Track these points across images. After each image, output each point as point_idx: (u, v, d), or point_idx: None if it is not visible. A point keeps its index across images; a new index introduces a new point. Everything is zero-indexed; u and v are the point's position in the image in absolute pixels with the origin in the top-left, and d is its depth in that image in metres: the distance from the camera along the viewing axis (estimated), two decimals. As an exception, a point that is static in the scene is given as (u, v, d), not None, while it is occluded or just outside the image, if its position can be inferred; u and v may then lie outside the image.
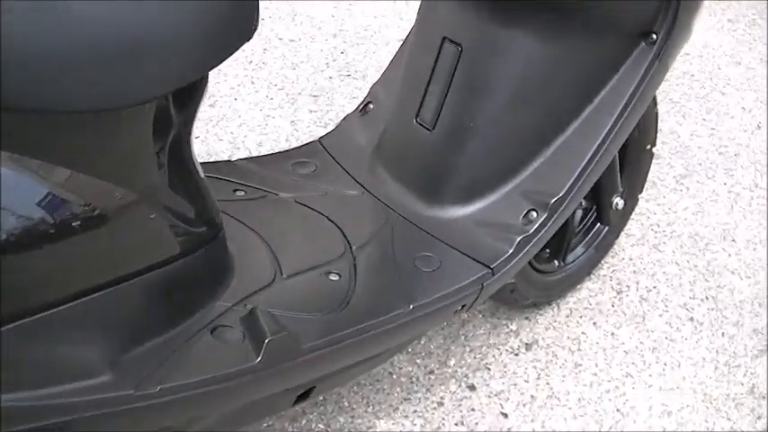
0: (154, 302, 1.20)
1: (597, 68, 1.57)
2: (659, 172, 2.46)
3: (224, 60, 1.09)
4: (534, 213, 1.57)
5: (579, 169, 1.57)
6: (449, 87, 1.58)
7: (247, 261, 1.42)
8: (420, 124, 1.62)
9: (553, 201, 1.55)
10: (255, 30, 1.12)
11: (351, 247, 1.52)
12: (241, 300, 1.33)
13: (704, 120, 2.72)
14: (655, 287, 2.12)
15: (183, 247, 1.21)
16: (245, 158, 1.74)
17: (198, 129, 2.43)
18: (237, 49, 1.10)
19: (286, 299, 1.38)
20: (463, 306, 1.53)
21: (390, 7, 3.12)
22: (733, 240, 2.28)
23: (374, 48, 2.89)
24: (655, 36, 1.56)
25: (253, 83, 2.68)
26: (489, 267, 1.52)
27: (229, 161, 1.72)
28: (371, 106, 1.80)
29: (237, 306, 1.31)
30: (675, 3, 1.54)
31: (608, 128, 1.57)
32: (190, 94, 1.15)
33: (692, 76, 2.93)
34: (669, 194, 2.40)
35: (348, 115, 1.83)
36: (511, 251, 1.54)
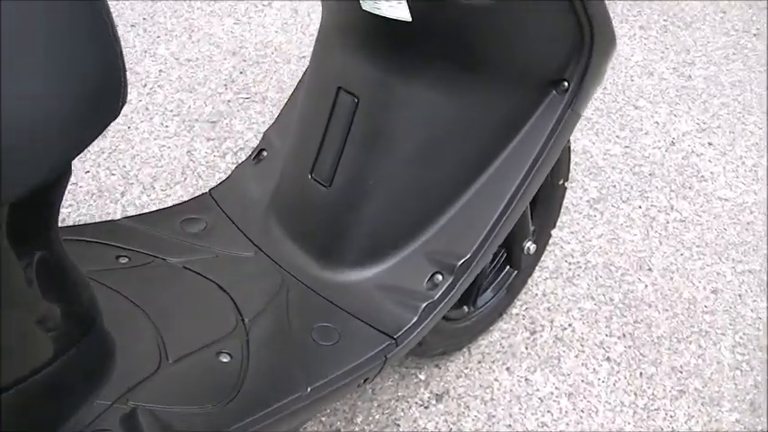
0: (24, 415, 1.07)
1: (506, 120, 1.47)
2: (573, 196, 2.37)
3: (88, 146, 0.97)
4: (440, 277, 1.46)
5: (488, 227, 1.47)
6: (345, 141, 1.46)
7: (130, 346, 1.30)
8: (315, 180, 1.50)
9: (460, 263, 1.45)
10: (124, 104, 0.99)
11: (243, 320, 1.41)
12: (122, 395, 1.21)
13: (618, 137, 2.64)
14: (570, 325, 2.04)
15: (54, 349, 1.09)
16: (131, 217, 1.61)
17: (88, 162, 2.28)
18: (103, 130, 0.97)
19: (172, 390, 1.26)
20: (365, 380, 1.42)
21: (292, 21, 2.99)
22: (649, 269, 2.20)
23: (275, 66, 2.76)
24: (566, 84, 1.46)
25: (147, 109, 2.53)
26: (393, 338, 1.42)
27: (113, 222, 1.59)
28: (265, 153, 1.68)
29: (118, 403, 1.19)
30: (588, 48, 1.44)
31: (518, 181, 1.47)
32: (50, 189, 1.02)
33: (605, 89, 2.85)
34: (583, 221, 2.32)
35: (241, 164, 1.70)
36: (415, 319, 1.43)
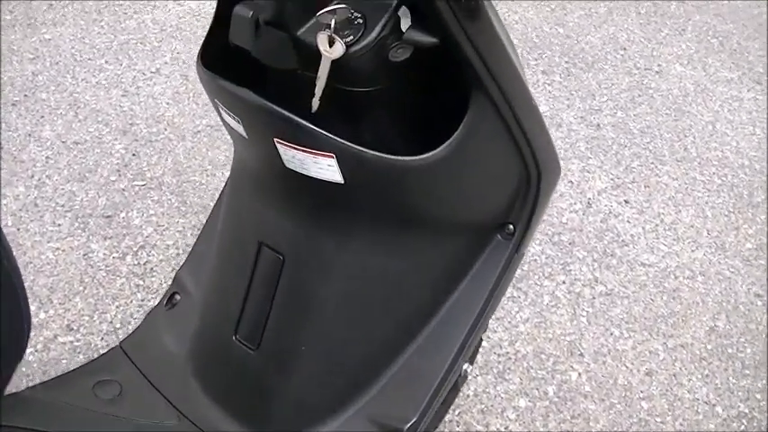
0: None
1: (447, 272, 1.35)
2: (495, 277, 2.27)
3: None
4: None
5: (435, 384, 1.35)
6: (272, 302, 1.33)
7: None
8: (241, 342, 1.36)
9: (407, 427, 1.33)
10: (27, 344, 0.89)
11: None
12: None
13: (533, 202, 2.54)
14: (506, 428, 1.93)
15: None
16: (35, 386, 1.45)
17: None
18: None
19: None
20: None
21: (184, 90, 2.83)
22: (581, 355, 2.12)
23: (169, 145, 2.60)
24: (512, 227, 1.35)
25: (36, 205, 2.35)
26: None
27: (15, 395, 1.43)
28: (178, 297, 1.54)
29: None
30: (535, 186, 1.33)
31: (465, 332, 1.36)
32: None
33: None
34: (507, 304, 2.22)
35: (152, 310, 1.56)
36: None
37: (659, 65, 3.27)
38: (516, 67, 1.17)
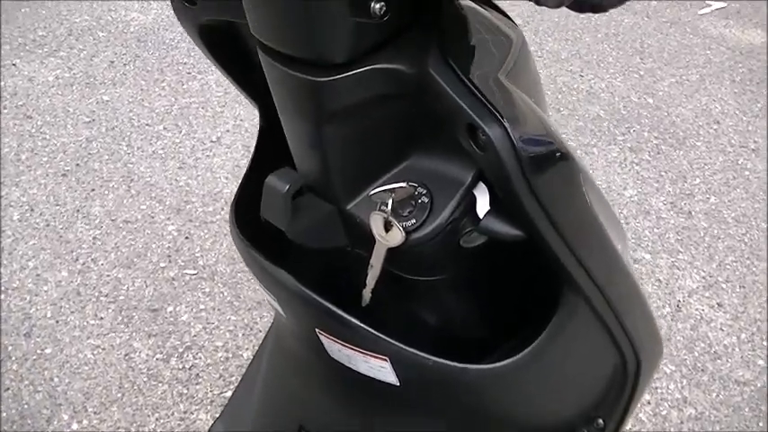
0: None
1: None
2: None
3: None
4: None
5: None
6: None
7: None
8: None
9: None
10: None
11: None
12: None
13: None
14: None
15: None
16: None
17: (7, 376, 1.94)
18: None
19: None
20: None
21: (244, 163, 2.65)
22: (667, 493, 1.89)
23: (225, 227, 2.42)
24: (602, 422, 1.13)
25: (79, 294, 2.19)
26: None
27: None
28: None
29: None
30: (632, 380, 1.10)
31: None
32: None
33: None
34: (587, 428, 1.99)
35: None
36: None
37: (755, 141, 3.02)
38: (617, 255, 0.95)
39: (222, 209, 2.49)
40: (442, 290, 0.97)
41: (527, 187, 0.78)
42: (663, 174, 2.84)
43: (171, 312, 2.17)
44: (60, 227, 2.40)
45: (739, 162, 2.94)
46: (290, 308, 0.98)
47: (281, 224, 0.89)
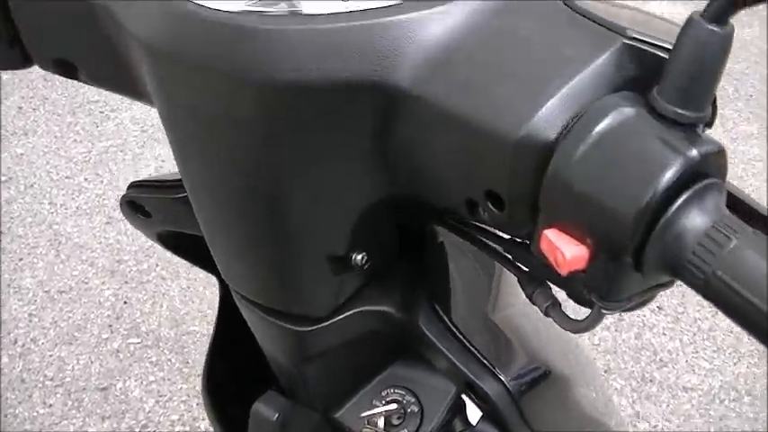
0: None
1: None
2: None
3: None
4: None
5: None
6: None
7: None
8: None
9: None
10: None
11: None
12: None
13: None
14: None
15: None
16: None
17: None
18: None
19: None
20: None
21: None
22: None
23: (163, 286, 2.39)
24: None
25: (23, 381, 2.15)
26: None
27: None
28: None
29: None
30: None
31: None
32: None
33: None
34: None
35: None
36: None
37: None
38: None
39: (157, 265, 2.46)
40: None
41: (518, 416, 0.80)
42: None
43: (121, 389, 2.15)
44: (-7, 306, 2.35)
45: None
46: None
47: None
